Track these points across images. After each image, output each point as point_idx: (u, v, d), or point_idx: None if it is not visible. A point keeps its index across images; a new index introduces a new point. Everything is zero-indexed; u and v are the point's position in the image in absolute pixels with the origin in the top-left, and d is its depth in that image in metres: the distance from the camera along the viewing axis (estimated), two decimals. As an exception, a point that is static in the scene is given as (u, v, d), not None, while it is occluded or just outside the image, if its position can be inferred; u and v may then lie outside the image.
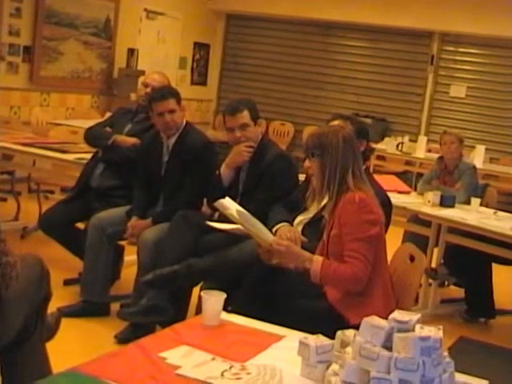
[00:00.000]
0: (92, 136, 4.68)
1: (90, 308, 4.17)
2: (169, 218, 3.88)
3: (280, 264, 2.88)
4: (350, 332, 1.89)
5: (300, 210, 3.50)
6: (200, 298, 2.66)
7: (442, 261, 5.16)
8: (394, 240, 3.79)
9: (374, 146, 4.87)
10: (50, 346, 2.73)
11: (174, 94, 4.17)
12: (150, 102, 4.15)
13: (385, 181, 4.34)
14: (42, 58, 8.07)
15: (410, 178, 8.86)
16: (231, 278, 3.33)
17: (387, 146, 8.67)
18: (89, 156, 4.78)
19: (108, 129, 4.67)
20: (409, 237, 5.16)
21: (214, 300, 2.32)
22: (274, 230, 3.36)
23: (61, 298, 4.02)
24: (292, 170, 3.90)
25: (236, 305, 2.79)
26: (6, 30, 7.60)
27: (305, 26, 10.51)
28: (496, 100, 9.54)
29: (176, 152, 4.15)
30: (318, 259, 2.79)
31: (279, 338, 2.25)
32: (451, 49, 9.85)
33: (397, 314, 1.78)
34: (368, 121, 9.29)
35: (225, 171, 3.88)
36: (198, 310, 3.26)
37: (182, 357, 2.01)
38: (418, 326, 1.73)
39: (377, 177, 3.89)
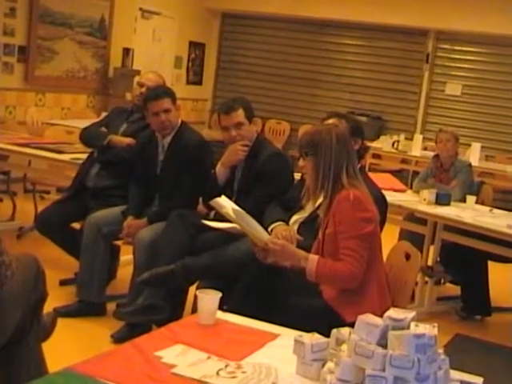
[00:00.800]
0: (87, 136, 4.68)
1: (86, 308, 4.17)
2: (164, 218, 3.88)
3: (276, 263, 2.89)
4: (345, 330, 1.89)
5: (296, 209, 3.50)
6: (196, 297, 2.66)
7: (438, 259, 5.18)
8: (389, 238, 3.80)
9: (369, 144, 4.87)
10: (46, 346, 2.74)
11: (169, 93, 4.17)
12: (145, 101, 4.15)
13: (380, 179, 4.35)
14: (37, 57, 8.06)
15: (406, 176, 8.87)
16: (227, 276, 3.33)
17: (383, 144, 8.68)
18: (84, 156, 4.78)
19: (103, 129, 4.67)
20: (405, 235, 5.17)
21: (209, 299, 2.33)
22: (269, 228, 3.36)
23: (57, 298, 4.02)
24: (287, 168, 3.90)
25: (232, 303, 2.79)
26: (0, 30, 7.59)
27: (301, 25, 10.51)
28: (492, 98, 9.55)
29: (171, 151, 4.15)
30: (313, 258, 2.79)
31: (274, 336, 2.25)
32: (447, 47, 9.86)
33: (392, 312, 1.79)
34: (363, 119, 9.29)
35: (220, 170, 3.88)
36: (194, 309, 3.26)
37: (177, 356, 2.01)
38: (412, 324, 1.74)
39: (372, 175, 3.90)
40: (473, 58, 9.72)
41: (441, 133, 5.59)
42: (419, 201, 5.03)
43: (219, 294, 2.34)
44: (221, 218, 3.31)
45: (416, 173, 7.20)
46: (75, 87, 8.68)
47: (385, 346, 1.72)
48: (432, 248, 5.14)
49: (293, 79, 10.63)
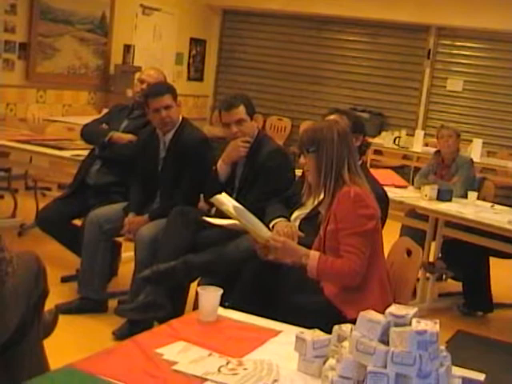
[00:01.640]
0: (88, 133, 4.68)
1: (88, 305, 4.17)
2: (165, 215, 3.87)
3: (277, 259, 2.88)
4: (346, 326, 1.89)
5: (297, 206, 3.49)
6: (197, 293, 2.66)
7: (440, 255, 5.17)
8: (391, 234, 3.79)
9: (370, 140, 4.87)
10: (48, 343, 2.73)
11: (170, 89, 4.16)
12: (146, 98, 4.15)
13: (382, 175, 4.34)
14: (38, 54, 8.06)
15: (407, 173, 8.87)
16: (228, 273, 3.33)
17: (384, 140, 8.68)
18: (85, 153, 4.78)
19: (104, 126, 4.67)
20: (406, 231, 5.16)
21: (210, 296, 2.32)
22: (270, 225, 3.35)
23: (58, 294, 4.02)
24: (288, 165, 3.89)
25: (233, 300, 2.79)
26: (1, 26, 7.59)
27: (302, 21, 10.50)
28: (493, 93, 9.55)
29: (173, 148, 4.14)
30: (314, 255, 2.79)
31: (276, 333, 2.25)
32: (448, 43, 9.85)
33: (393, 309, 1.78)
34: (365, 115, 9.30)
35: (221, 167, 3.87)
36: (196, 306, 3.26)
37: (178, 353, 2.01)
38: (414, 320, 1.73)
39: (374, 171, 3.89)
40: (474, 53, 9.70)
41: (442, 129, 5.59)
42: (421, 197, 5.02)
43: (220, 291, 2.34)
44: (222, 214, 3.30)
45: (417, 169, 7.20)
46: (76, 84, 8.68)
47: (386, 343, 1.71)
48: (433, 244, 5.13)
49: (294, 75, 10.62)
